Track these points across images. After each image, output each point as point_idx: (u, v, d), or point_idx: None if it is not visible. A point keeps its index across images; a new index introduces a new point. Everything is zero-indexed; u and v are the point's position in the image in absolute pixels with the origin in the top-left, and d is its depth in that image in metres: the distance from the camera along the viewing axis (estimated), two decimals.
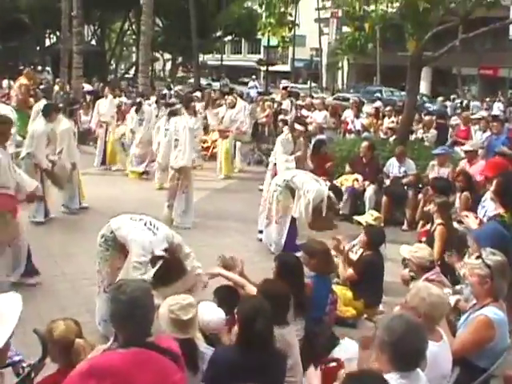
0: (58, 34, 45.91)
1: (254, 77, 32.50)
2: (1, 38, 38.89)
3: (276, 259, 4.85)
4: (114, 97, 14.17)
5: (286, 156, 8.54)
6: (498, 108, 26.88)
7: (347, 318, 5.70)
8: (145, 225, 5.01)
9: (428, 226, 7.03)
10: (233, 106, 13.16)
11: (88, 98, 17.69)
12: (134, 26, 42.09)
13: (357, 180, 9.99)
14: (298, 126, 8.92)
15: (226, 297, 4.44)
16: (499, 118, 13.52)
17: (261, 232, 8.25)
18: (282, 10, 11.02)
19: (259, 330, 3.47)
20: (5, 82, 19.63)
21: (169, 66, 55.22)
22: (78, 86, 19.48)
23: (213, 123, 13.81)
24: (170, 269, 4.85)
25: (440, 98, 26.50)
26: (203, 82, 37.87)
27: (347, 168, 10.43)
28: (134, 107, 12.68)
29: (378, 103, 17.28)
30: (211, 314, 4.06)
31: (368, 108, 16.65)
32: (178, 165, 8.93)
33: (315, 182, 7.49)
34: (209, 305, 4.18)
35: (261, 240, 8.19)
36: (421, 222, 8.42)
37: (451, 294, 4.70)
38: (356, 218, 7.22)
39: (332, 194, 7.41)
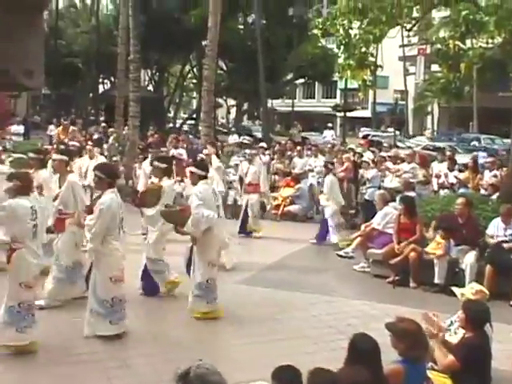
0: (112, 79, 48.34)
1: (329, 124, 32.66)
2: (53, 86, 41.11)
3: (350, 342, 4.75)
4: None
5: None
6: None
7: None
8: None
9: None
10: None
11: None
12: (195, 70, 43.61)
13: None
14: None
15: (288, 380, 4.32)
16: None
17: None
18: (363, 50, 11.12)
19: None
20: (51, 128, 21.13)
21: (233, 112, 56.57)
22: (134, 138, 20.13)
23: None
24: None
25: None
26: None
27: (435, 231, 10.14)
28: None
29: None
30: None
31: (464, 159, 16.42)
32: None
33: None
34: None
35: None
36: None
37: None
38: (454, 289, 6.95)
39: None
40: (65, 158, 8.43)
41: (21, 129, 26.93)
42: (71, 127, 17.01)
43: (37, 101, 53.00)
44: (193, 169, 8.28)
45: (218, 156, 14.14)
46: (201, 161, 9.76)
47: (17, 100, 37.31)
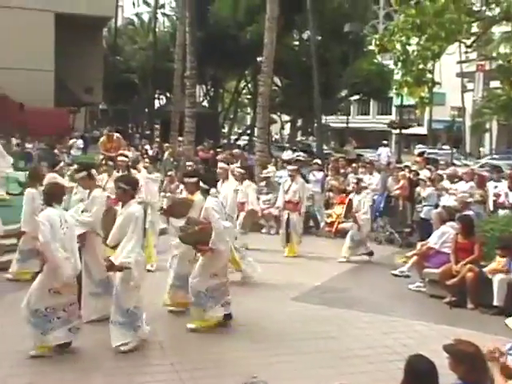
0: (167, 95, 49.18)
1: (384, 141, 32.37)
2: (110, 101, 42.05)
3: (406, 364, 4.68)
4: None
5: None
6: None
7: None
8: None
9: None
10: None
11: None
12: (250, 86, 43.95)
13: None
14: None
15: None
16: None
17: None
18: (421, 66, 11.02)
19: None
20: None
21: (287, 128, 56.72)
22: (189, 153, 20.38)
23: None
24: None
25: None
26: None
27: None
28: None
29: None
30: None
31: None
32: None
33: None
34: None
35: None
36: None
37: None
38: (507, 321, 6.79)
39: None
40: (84, 173, 8.47)
41: (81, 143, 27.60)
42: (115, 135, 16.50)
43: (94, 116, 54.36)
44: (201, 183, 8.51)
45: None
46: (209, 175, 9.80)
47: (75, 115, 38.31)
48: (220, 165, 12.64)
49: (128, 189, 7.30)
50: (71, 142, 26.61)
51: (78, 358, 6.89)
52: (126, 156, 13.57)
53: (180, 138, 22.91)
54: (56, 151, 22.44)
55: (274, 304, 9.27)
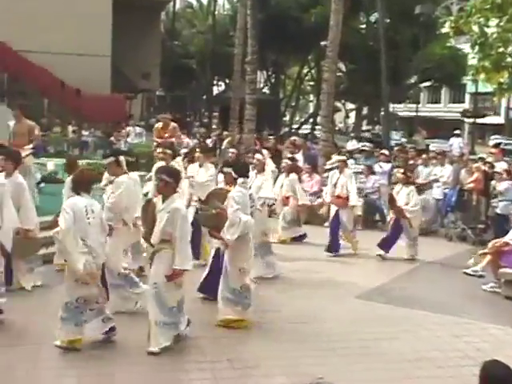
0: (226, 81, 49.43)
1: (456, 131, 31.65)
2: (167, 87, 42.47)
3: (481, 369, 4.55)
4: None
5: None
6: None
7: None
8: None
9: None
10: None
11: None
12: (313, 72, 43.71)
13: None
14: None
15: None
16: None
17: None
18: (501, 50, 10.72)
19: None
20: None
21: (352, 117, 56.26)
22: (249, 142, 20.39)
23: None
24: None
25: None
26: None
27: None
28: None
29: None
30: None
31: None
32: None
33: None
34: None
35: None
36: None
37: None
38: None
39: None
40: (111, 159, 8.50)
41: (139, 129, 28.00)
42: (172, 124, 16.29)
43: (151, 102, 55.06)
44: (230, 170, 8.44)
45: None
46: (240, 164, 9.64)
47: (132, 102, 38.87)
48: (256, 156, 12.51)
49: (171, 181, 7.15)
50: (128, 129, 27.01)
51: (125, 352, 6.97)
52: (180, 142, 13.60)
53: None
54: (112, 139, 22.78)
55: (337, 302, 9.21)
